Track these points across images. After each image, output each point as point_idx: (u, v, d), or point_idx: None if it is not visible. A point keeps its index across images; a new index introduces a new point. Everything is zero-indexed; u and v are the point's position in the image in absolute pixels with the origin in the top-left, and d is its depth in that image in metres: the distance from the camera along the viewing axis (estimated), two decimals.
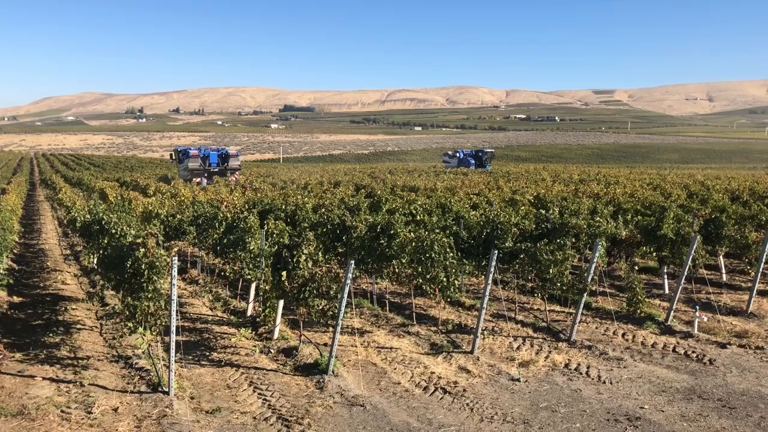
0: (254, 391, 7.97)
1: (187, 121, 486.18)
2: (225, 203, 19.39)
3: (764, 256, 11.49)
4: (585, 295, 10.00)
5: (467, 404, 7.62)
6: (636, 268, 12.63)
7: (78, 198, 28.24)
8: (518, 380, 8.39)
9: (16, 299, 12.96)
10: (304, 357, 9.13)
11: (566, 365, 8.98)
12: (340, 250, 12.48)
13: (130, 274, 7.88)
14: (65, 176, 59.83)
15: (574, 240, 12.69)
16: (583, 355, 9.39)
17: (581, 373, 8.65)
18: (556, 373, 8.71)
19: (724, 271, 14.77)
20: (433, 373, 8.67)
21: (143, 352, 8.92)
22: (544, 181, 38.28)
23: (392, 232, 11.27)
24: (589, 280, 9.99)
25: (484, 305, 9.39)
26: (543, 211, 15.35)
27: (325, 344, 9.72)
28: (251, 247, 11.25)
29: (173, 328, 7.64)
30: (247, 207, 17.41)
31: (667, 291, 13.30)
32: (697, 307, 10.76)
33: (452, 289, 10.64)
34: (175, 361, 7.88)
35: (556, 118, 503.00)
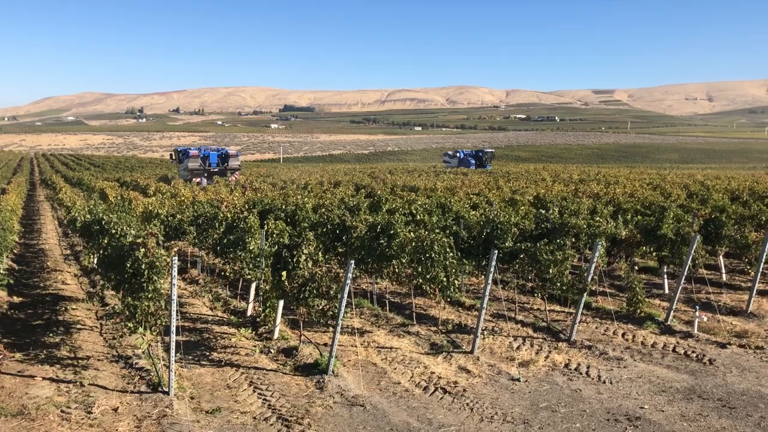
0: (254, 391, 7.97)
1: (187, 121, 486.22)
2: (225, 203, 19.39)
3: (764, 256, 11.49)
4: (585, 295, 10.00)
5: (467, 404, 7.62)
6: (636, 267, 12.64)
7: (78, 198, 28.25)
8: (518, 380, 8.40)
9: (16, 299, 12.97)
10: (304, 357, 9.13)
11: (566, 365, 8.98)
12: (340, 250, 12.48)
13: (130, 274, 7.88)
14: (65, 176, 59.84)
15: (573, 240, 12.70)
16: (583, 355, 9.40)
17: (581, 373, 8.65)
18: (556, 373, 8.72)
19: (723, 270, 14.77)
20: (433, 373, 8.67)
21: (143, 352, 8.92)
22: (544, 181, 38.29)
23: (392, 232, 11.27)
24: (589, 279, 10.00)
25: (484, 305, 9.39)
26: (543, 211, 15.36)
27: (325, 344, 9.73)
28: (251, 247, 11.25)
29: (173, 328, 7.65)
30: (247, 207, 17.41)
31: (667, 291, 13.30)
32: (697, 307, 10.76)
33: (452, 289, 10.65)
34: (175, 361, 7.88)
35: (556, 118, 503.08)
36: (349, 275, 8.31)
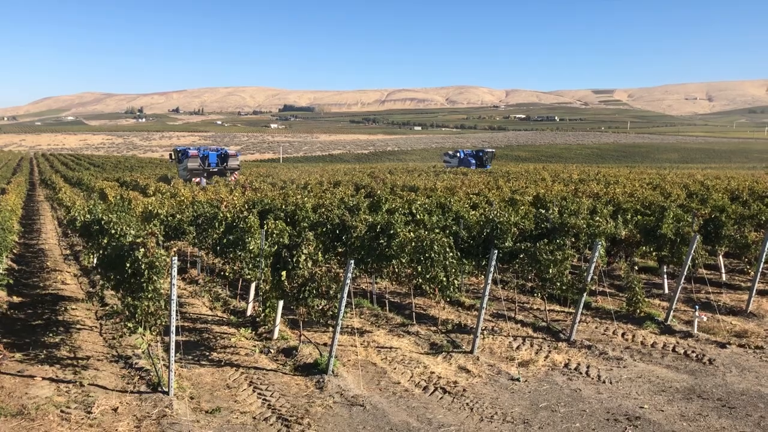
0: (254, 391, 7.97)
1: (187, 121, 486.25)
2: (225, 203, 19.38)
3: (764, 256, 11.50)
4: (585, 294, 10.01)
5: (467, 404, 7.62)
6: (635, 267, 12.65)
7: (78, 198, 28.25)
8: (518, 380, 8.40)
9: (16, 299, 12.96)
10: (303, 357, 9.13)
11: (566, 365, 8.98)
12: (340, 250, 12.48)
13: (130, 274, 7.88)
14: (65, 176, 59.84)
15: (573, 240, 12.70)
16: (583, 354, 9.40)
17: (581, 373, 8.66)
18: (555, 372, 8.72)
19: (723, 270, 14.77)
20: (432, 372, 8.67)
21: (143, 352, 8.92)
22: (544, 180, 38.29)
23: (392, 231, 11.27)
24: (589, 279, 10.00)
25: (484, 305, 9.39)
26: (543, 211, 15.36)
27: (325, 344, 9.73)
28: (251, 247, 11.25)
29: (173, 328, 7.65)
30: (246, 207, 17.40)
31: (666, 291, 13.30)
32: (697, 307, 10.76)
33: (452, 289, 10.64)
34: (175, 361, 7.88)
35: (556, 117, 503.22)
36: (349, 275, 8.31)
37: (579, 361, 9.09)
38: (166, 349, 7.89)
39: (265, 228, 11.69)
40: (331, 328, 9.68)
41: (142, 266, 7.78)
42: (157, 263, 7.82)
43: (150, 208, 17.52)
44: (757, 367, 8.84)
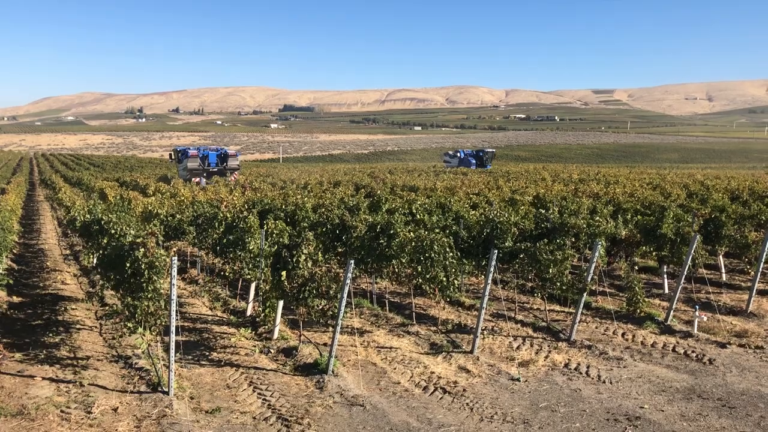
0: (254, 391, 7.97)
1: (187, 121, 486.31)
2: (225, 203, 19.38)
3: (764, 256, 11.49)
4: (585, 294, 10.00)
5: (467, 404, 7.62)
6: (636, 267, 12.65)
7: (77, 198, 28.25)
8: (518, 380, 8.40)
9: (15, 299, 12.96)
10: (303, 357, 9.13)
11: (566, 365, 8.98)
12: (340, 250, 12.48)
13: (130, 274, 7.88)
14: (65, 176, 59.84)
15: (573, 240, 12.69)
16: (583, 354, 9.39)
17: (581, 373, 8.65)
18: (555, 372, 8.71)
19: (723, 270, 14.77)
20: (432, 372, 8.67)
21: (143, 352, 8.92)
22: (544, 180, 38.29)
23: (392, 231, 11.27)
24: (589, 279, 10.00)
25: (484, 305, 9.39)
26: (543, 211, 15.36)
27: (325, 344, 9.72)
28: (251, 247, 11.25)
29: (173, 328, 7.64)
30: (246, 207, 17.39)
31: (666, 291, 13.30)
32: (697, 307, 10.76)
33: (452, 289, 10.64)
34: (175, 361, 7.87)
35: (556, 117, 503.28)
36: (349, 275, 8.31)
37: (579, 361, 9.09)
38: (166, 349, 7.88)
39: (265, 228, 11.69)
40: (331, 328, 9.67)
41: (142, 266, 7.78)
42: (157, 263, 7.82)
43: (150, 208, 17.52)
44: (757, 367, 8.84)
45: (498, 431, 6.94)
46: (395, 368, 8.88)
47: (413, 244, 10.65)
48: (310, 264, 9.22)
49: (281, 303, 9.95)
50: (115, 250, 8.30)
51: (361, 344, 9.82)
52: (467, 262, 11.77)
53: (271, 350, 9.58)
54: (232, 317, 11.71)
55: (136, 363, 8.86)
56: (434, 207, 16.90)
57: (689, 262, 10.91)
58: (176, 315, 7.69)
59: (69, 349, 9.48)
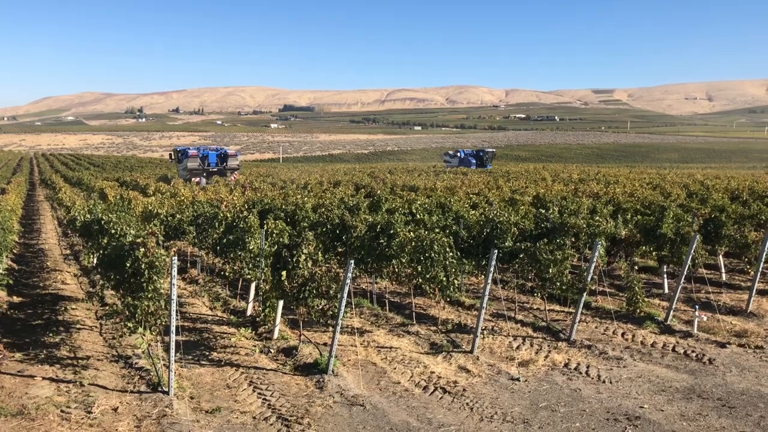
0: (254, 391, 7.97)
1: (187, 121, 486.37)
2: (225, 203, 19.39)
3: (764, 256, 11.50)
4: (584, 294, 10.01)
5: (467, 404, 7.62)
6: (635, 267, 12.65)
7: (78, 198, 28.24)
8: (518, 380, 8.40)
9: (15, 299, 12.96)
10: (303, 357, 9.13)
11: (566, 365, 8.98)
12: (340, 250, 12.48)
13: (130, 274, 7.88)
14: (65, 176, 59.84)
15: (573, 239, 12.70)
16: (583, 354, 9.40)
17: (581, 373, 8.66)
18: (555, 372, 8.72)
19: (723, 270, 14.77)
20: (432, 372, 8.67)
21: (143, 352, 8.92)
22: (544, 180, 38.29)
23: (392, 231, 11.27)
24: (589, 279, 10.00)
25: (484, 305, 9.39)
26: (543, 211, 15.36)
27: (325, 344, 9.73)
28: (251, 247, 11.25)
29: (173, 328, 7.65)
30: (246, 207, 17.40)
31: (666, 290, 13.30)
32: (697, 307, 10.76)
33: (452, 289, 10.65)
34: (175, 361, 7.88)
35: (556, 117, 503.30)
36: (349, 275, 8.31)
37: (579, 361, 9.09)
38: (166, 349, 7.89)
39: (265, 228, 11.70)
40: (331, 328, 9.68)
41: (142, 266, 7.78)
42: (157, 263, 7.82)
43: (150, 207, 17.52)
44: (756, 366, 8.84)
45: (498, 431, 6.94)
46: (395, 368, 8.88)
47: (413, 243, 10.65)
48: (310, 264, 9.22)
49: (281, 303, 9.96)
50: (115, 250, 8.30)
51: (361, 344, 9.83)
52: (467, 262, 11.78)
53: (271, 350, 9.58)
54: (232, 317, 11.71)
55: (136, 363, 8.87)
56: (434, 207, 16.91)
57: (689, 261, 10.91)
58: (176, 315, 7.70)
59: (69, 349, 9.48)
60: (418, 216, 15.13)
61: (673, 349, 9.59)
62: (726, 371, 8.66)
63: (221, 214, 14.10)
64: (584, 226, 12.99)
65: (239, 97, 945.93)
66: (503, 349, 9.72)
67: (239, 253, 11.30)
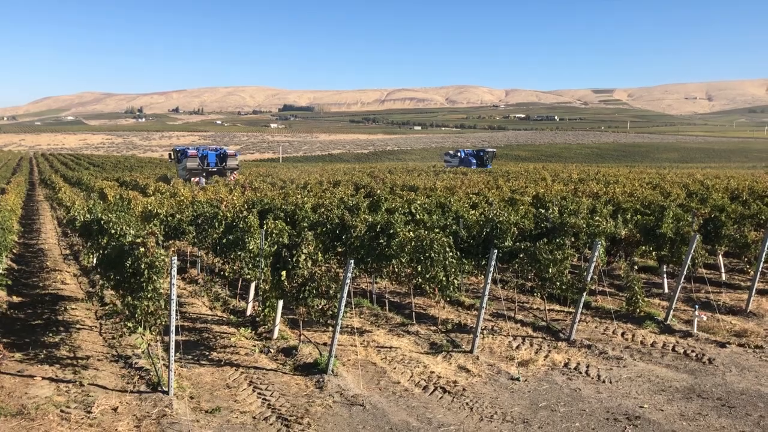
0: (254, 391, 7.97)
1: (187, 121, 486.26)
2: (224, 203, 19.38)
3: (763, 255, 11.49)
4: (584, 294, 10.01)
5: (467, 403, 7.62)
6: (635, 267, 12.64)
7: (77, 198, 28.23)
8: (518, 379, 8.40)
9: (15, 299, 12.96)
10: (303, 356, 9.13)
11: (566, 364, 8.98)
12: (340, 250, 12.48)
13: (130, 274, 7.88)
14: (65, 176, 59.83)
15: (573, 239, 12.69)
16: (583, 354, 9.40)
17: (581, 373, 8.66)
18: (555, 372, 8.72)
19: (723, 270, 14.77)
20: (432, 372, 8.67)
21: (143, 352, 8.92)
22: (544, 180, 38.30)
23: (392, 231, 11.27)
24: (589, 279, 10.00)
25: (484, 304, 9.39)
26: (542, 211, 15.37)
27: (325, 344, 9.73)
28: (251, 247, 11.25)
29: (173, 328, 7.65)
30: (246, 207, 17.39)
31: (666, 290, 13.30)
32: (697, 307, 10.76)
33: (452, 289, 10.65)
34: (175, 361, 7.87)
35: (556, 117, 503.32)
36: (349, 275, 8.31)
37: (579, 361, 9.09)
38: (166, 349, 7.89)
39: (265, 228, 11.70)
40: (330, 328, 9.67)
41: (142, 266, 7.78)
42: (156, 263, 7.82)
43: (150, 207, 17.52)
44: (756, 366, 8.84)
45: (498, 431, 6.94)
46: (395, 368, 8.88)
47: (413, 243, 10.65)
48: (309, 264, 9.22)
49: (281, 303, 9.95)
50: (115, 250, 8.30)
51: (360, 344, 9.83)
52: (467, 262, 11.78)
53: (271, 350, 9.58)
54: (232, 317, 11.71)
55: (136, 363, 8.87)
56: (434, 207, 16.91)
57: (689, 261, 10.91)
58: (176, 315, 7.70)
59: (69, 349, 9.48)
60: (417, 216, 15.13)
61: (673, 349, 9.59)
62: (726, 371, 8.66)
63: (221, 214, 14.10)
64: (584, 225, 12.99)
65: (239, 97, 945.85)
66: (503, 348, 9.72)
67: (239, 253, 11.30)
